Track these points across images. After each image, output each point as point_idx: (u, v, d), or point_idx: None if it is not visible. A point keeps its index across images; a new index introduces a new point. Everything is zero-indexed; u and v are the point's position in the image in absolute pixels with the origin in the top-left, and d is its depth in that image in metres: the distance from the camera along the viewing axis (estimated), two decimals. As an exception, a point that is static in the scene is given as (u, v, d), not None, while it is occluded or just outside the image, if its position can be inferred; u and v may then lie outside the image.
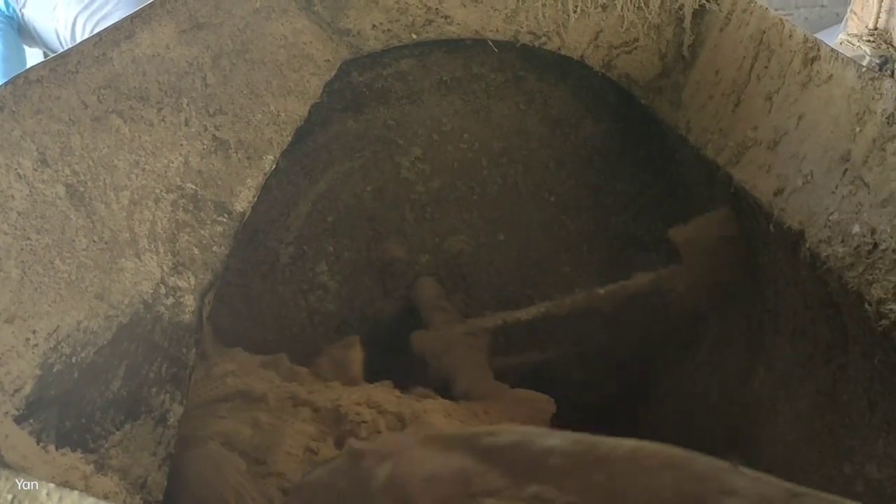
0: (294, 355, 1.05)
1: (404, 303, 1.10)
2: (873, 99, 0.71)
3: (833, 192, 0.74)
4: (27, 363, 0.57)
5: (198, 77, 0.72)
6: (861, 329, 0.72)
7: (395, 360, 1.08)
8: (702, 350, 1.02)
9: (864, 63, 1.22)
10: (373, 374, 1.06)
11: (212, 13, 0.74)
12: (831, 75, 0.75)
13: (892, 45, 1.23)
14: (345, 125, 0.99)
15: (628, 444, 0.53)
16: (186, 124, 0.71)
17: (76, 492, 0.30)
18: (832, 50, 0.76)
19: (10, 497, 0.31)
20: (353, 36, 0.86)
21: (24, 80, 0.61)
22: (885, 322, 0.67)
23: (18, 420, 0.56)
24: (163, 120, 0.69)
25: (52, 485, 0.31)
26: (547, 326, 1.01)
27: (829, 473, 0.78)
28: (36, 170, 0.60)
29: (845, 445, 0.77)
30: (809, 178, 0.77)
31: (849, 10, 1.29)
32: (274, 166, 0.77)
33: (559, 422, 1.00)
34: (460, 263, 1.12)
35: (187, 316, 0.68)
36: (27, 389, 0.56)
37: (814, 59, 0.78)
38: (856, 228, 0.72)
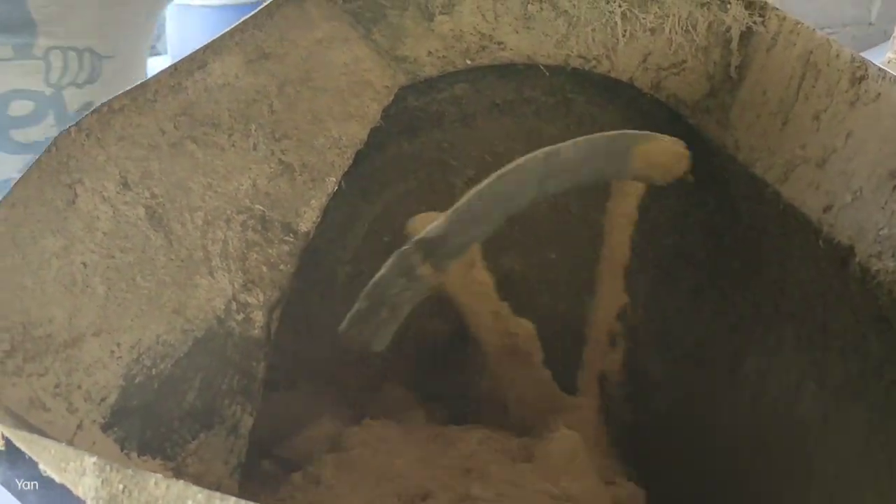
0: (349, 373, 1.08)
1: (458, 321, 1.12)
2: (921, 116, 0.73)
3: (882, 208, 0.75)
4: (112, 374, 0.60)
5: (265, 104, 0.76)
6: (913, 343, 0.73)
7: (450, 377, 1.10)
8: (748, 363, 1.03)
9: (913, 81, 1.22)
10: (427, 391, 1.08)
11: (277, 44, 0.78)
12: (879, 94, 0.77)
13: (940, 63, 1.23)
14: (400, 148, 1.02)
15: None
16: (255, 149, 0.75)
17: (181, 482, 0.33)
18: (880, 69, 0.77)
19: (120, 486, 0.34)
20: (410, 63, 0.89)
21: (108, 109, 0.65)
22: (936, 335, 0.68)
23: (104, 428, 0.59)
24: (233, 145, 0.73)
25: (158, 475, 0.34)
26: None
27: (882, 490, 0.79)
28: (119, 192, 0.64)
29: (900, 463, 0.77)
30: (858, 194, 0.78)
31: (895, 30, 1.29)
32: (336, 188, 0.80)
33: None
34: (512, 281, 1.14)
35: (256, 331, 0.71)
36: (112, 399, 0.60)
37: (861, 79, 0.79)
38: (906, 243, 0.73)
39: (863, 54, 1.38)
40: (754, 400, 1.01)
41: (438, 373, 1.11)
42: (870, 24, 2.96)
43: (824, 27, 2.94)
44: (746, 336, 1.03)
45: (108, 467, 0.35)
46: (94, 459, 0.36)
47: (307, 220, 0.76)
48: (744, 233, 1.00)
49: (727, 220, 1.06)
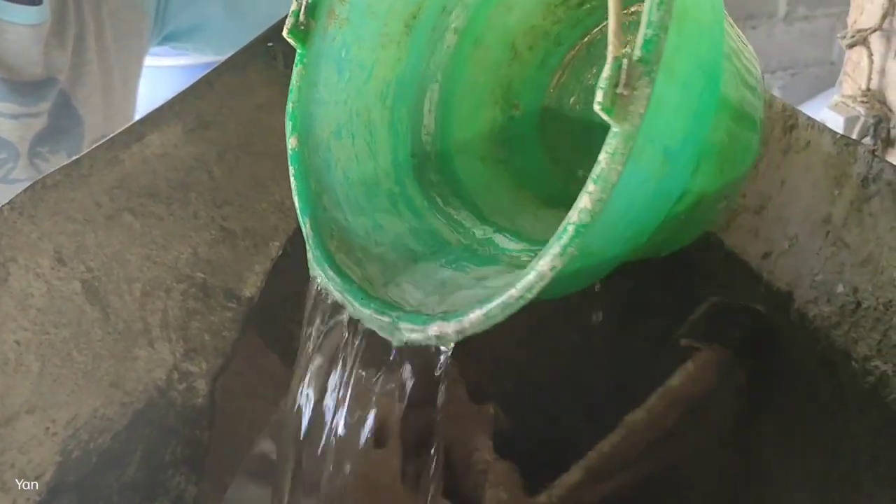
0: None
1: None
2: (848, 163, 0.74)
3: (817, 254, 0.77)
4: (48, 451, 0.60)
5: (204, 172, 0.77)
6: (853, 386, 0.74)
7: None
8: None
9: (860, 123, 1.25)
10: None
11: (216, 112, 0.79)
12: (809, 142, 0.79)
13: (885, 105, 1.25)
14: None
15: None
16: (195, 217, 0.75)
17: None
18: (808, 118, 0.79)
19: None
20: (353, 124, 0.90)
21: (42, 186, 0.65)
22: (870, 378, 0.69)
23: (39, 506, 0.59)
24: (172, 214, 0.74)
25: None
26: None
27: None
28: (53, 268, 0.65)
29: (854, 502, 0.78)
30: (794, 240, 0.80)
31: (842, 72, 1.32)
32: (281, 252, 0.81)
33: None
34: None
35: (200, 399, 0.71)
36: (48, 476, 0.60)
37: (792, 127, 0.81)
38: (840, 288, 0.74)
39: (824, 94, 1.40)
40: (709, 443, 1.01)
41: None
42: (831, 63, 3.00)
43: (787, 68, 2.99)
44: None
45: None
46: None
47: (251, 286, 0.77)
48: (695, 279, 1.01)
49: (679, 266, 1.07)
